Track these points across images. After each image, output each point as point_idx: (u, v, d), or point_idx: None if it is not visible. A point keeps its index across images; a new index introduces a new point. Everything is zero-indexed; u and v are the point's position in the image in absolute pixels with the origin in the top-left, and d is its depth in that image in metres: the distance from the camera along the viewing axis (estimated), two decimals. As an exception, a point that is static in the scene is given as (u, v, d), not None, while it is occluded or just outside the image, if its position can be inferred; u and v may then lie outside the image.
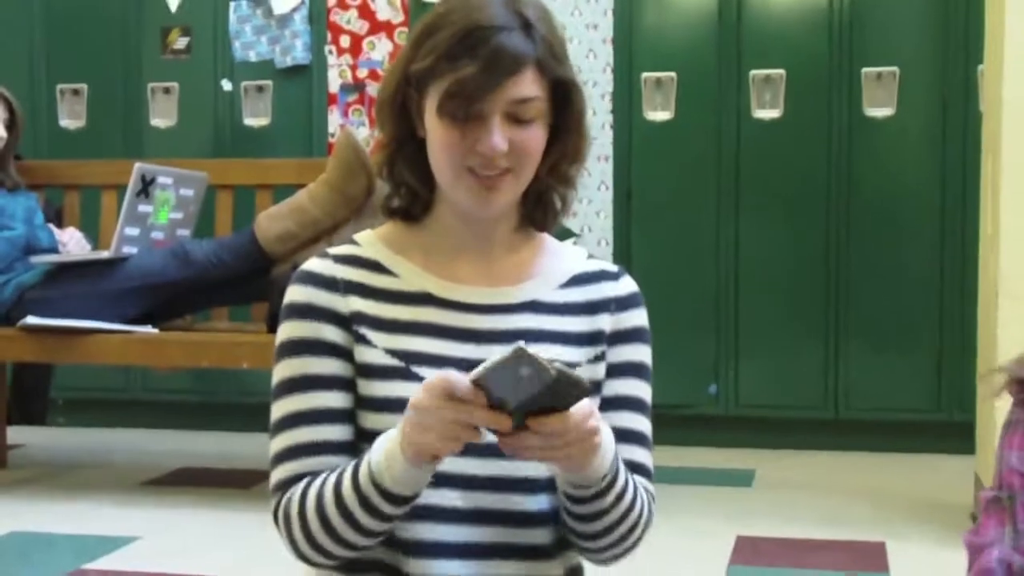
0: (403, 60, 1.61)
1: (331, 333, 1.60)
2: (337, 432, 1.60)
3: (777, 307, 5.33)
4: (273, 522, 1.60)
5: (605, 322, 1.67)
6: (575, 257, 1.72)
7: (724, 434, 5.33)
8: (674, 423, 5.14)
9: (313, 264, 1.65)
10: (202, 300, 4.57)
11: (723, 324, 5.34)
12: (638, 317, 1.70)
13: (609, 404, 1.66)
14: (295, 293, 1.64)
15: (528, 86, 1.56)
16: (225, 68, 5.71)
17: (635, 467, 1.65)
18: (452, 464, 1.54)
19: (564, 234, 5.33)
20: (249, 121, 5.70)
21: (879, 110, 5.26)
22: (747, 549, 3.79)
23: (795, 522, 4.12)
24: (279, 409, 1.62)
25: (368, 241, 1.68)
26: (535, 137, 1.58)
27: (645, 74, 5.44)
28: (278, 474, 1.60)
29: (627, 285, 1.71)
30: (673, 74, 5.42)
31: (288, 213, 4.37)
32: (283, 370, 1.62)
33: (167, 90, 5.75)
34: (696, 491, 4.53)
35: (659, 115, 5.44)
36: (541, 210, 1.67)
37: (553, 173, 1.64)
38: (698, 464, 4.98)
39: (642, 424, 1.68)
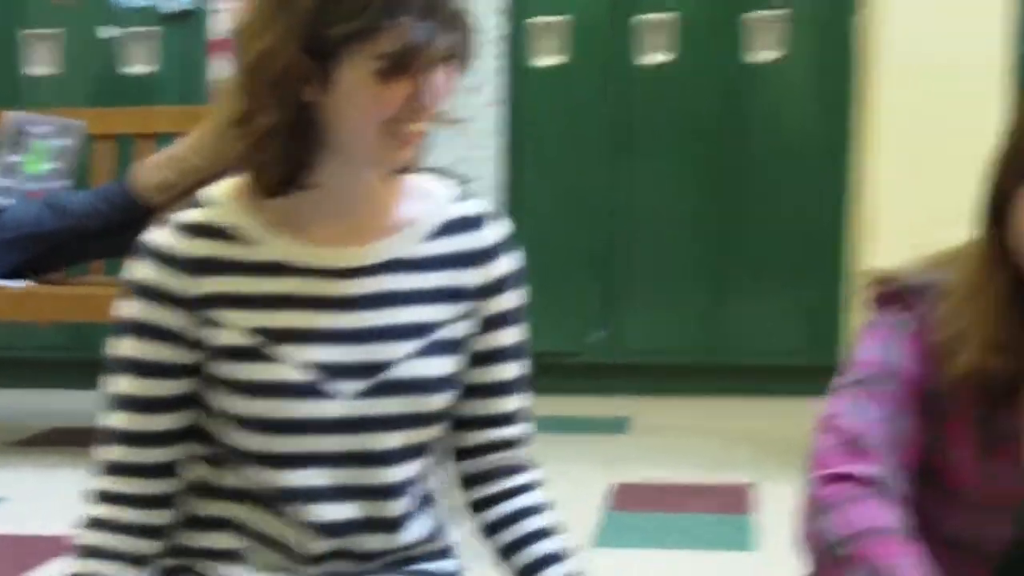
0: (291, 28, 1.46)
1: (172, 319, 1.55)
2: (168, 421, 1.58)
3: (667, 253, 5.34)
4: (88, 499, 1.61)
5: (472, 277, 1.62)
6: (444, 199, 1.63)
7: (606, 380, 5.34)
8: (558, 370, 5.14)
9: (155, 236, 1.56)
10: (79, 252, 4.50)
11: (613, 270, 5.35)
12: (507, 263, 1.65)
13: (489, 357, 1.65)
14: (137, 269, 1.56)
15: (453, 30, 1.50)
16: (107, 14, 5.60)
17: (510, 416, 1.68)
18: (310, 445, 1.54)
19: (452, 179, 5.30)
20: (132, 68, 5.59)
21: (766, 54, 5.26)
22: (621, 495, 3.81)
23: (669, 467, 4.15)
24: (113, 387, 1.60)
25: (220, 201, 1.57)
26: (450, 81, 1.52)
27: (535, 19, 5.41)
28: (109, 454, 1.60)
29: (491, 233, 1.64)
30: (564, 18, 5.39)
31: (166, 162, 4.31)
32: (124, 347, 1.59)
33: (47, 37, 5.63)
34: (572, 439, 4.55)
35: (549, 60, 5.41)
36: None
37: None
38: (578, 412, 4.99)
39: (517, 370, 1.69)
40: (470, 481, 1.69)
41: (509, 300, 1.66)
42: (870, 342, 1.50)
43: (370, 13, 1.43)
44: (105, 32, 5.59)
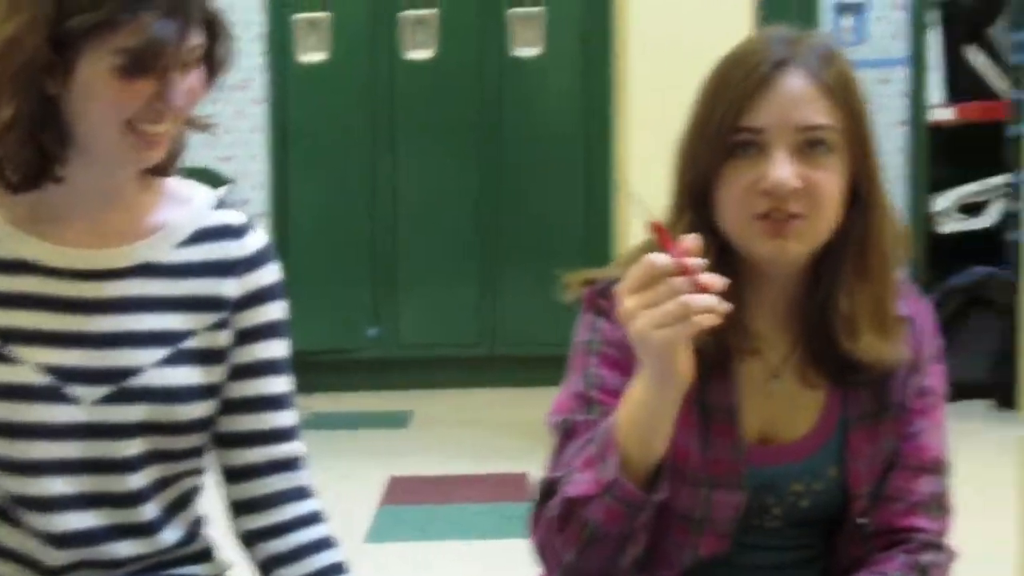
0: (34, 18, 1.39)
1: None
2: None
3: (434, 247, 5.39)
4: None
5: (230, 287, 1.54)
6: (202, 206, 1.56)
7: (383, 376, 5.37)
8: (333, 368, 5.15)
9: None
10: None
11: (381, 266, 5.37)
12: (268, 274, 1.57)
13: (247, 371, 1.56)
14: None
15: (200, 32, 1.43)
16: None
17: (282, 432, 1.58)
18: (49, 451, 1.47)
19: (218, 180, 5.26)
20: None
21: (527, 49, 5.35)
22: (398, 489, 3.84)
23: (448, 459, 4.21)
24: None
25: None
26: (198, 84, 1.45)
27: (299, 15, 5.39)
28: None
29: (253, 242, 1.57)
30: (327, 15, 5.38)
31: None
32: None
33: None
34: (352, 435, 4.56)
35: (313, 56, 5.39)
36: (169, 156, 1.51)
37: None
38: (356, 408, 5.01)
39: (284, 385, 1.60)
40: (242, 508, 1.57)
41: (271, 312, 1.57)
42: (569, 375, 1.50)
43: (109, 5, 1.37)
44: None
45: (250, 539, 1.57)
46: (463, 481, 3.94)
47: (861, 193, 1.42)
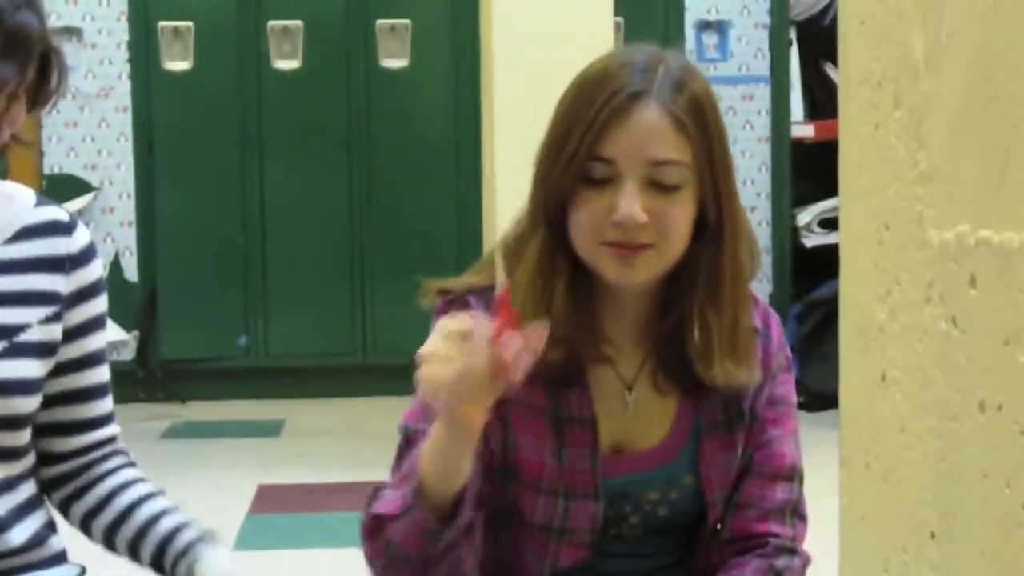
0: None
1: None
2: None
3: (304, 257, 5.38)
4: None
5: (60, 283, 1.57)
6: (24, 204, 1.59)
7: (255, 385, 5.35)
8: (204, 376, 5.12)
9: None
10: None
11: (251, 275, 5.35)
12: (95, 270, 1.61)
13: (78, 364, 1.59)
14: None
15: (32, 69, 1.47)
16: None
17: (106, 417, 1.63)
18: None
19: (83, 187, 5.20)
20: None
21: (394, 61, 5.38)
22: (267, 497, 3.83)
23: (319, 468, 4.20)
24: None
25: None
26: (17, 114, 1.48)
27: (163, 23, 5.35)
28: None
29: (81, 238, 1.60)
30: (190, 23, 5.36)
31: None
32: None
33: None
34: (223, 444, 4.53)
35: (178, 65, 5.36)
36: None
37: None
38: (227, 417, 4.98)
39: (107, 373, 1.64)
40: (59, 481, 1.61)
41: (99, 306, 1.61)
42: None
43: None
44: None
45: (67, 502, 1.61)
46: (335, 489, 3.94)
47: (711, 220, 1.44)
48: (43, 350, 1.55)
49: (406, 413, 1.51)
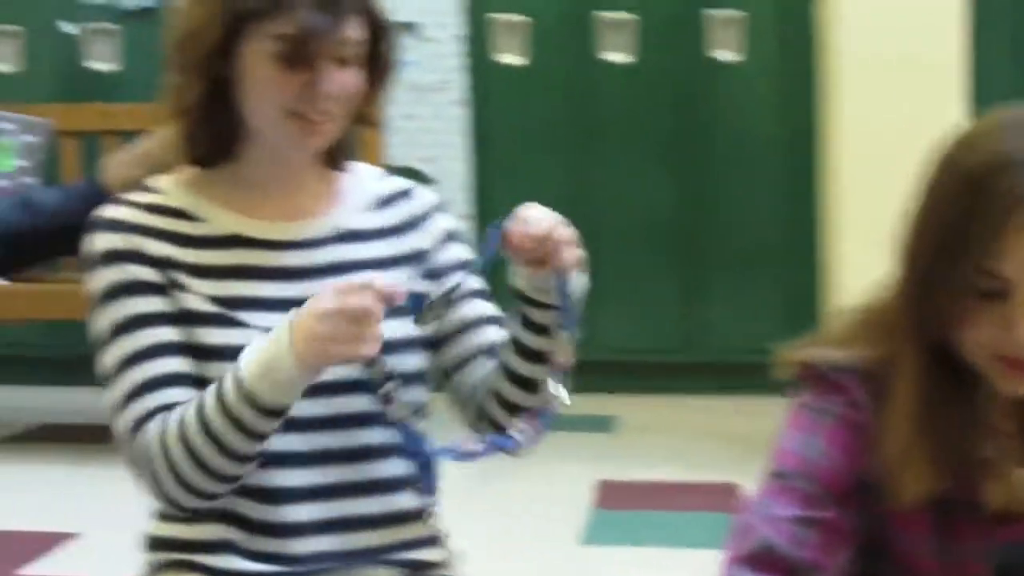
0: (220, 3, 1.55)
1: (145, 273, 1.58)
2: (178, 364, 1.57)
3: (633, 251, 5.36)
4: (131, 466, 1.56)
5: (420, 239, 1.70)
6: (371, 177, 1.73)
7: (583, 378, 5.33)
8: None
9: (118, 212, 1.62)
10: (50, 250, 4.42)
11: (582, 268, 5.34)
12: (445, 221, 1.74)
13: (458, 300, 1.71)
14: (102, 241, 1.60)
15: (357, 29, 1.56)
16: (67, 10, 5.53)
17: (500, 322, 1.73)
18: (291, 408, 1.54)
19: (420, 180, 5.29)
20: (96, 65, 5.54)
21: (727, 53, 5.31)
22: (608, 493, 3.83)
23: (655, 466, 4.17)
24: (111, 355, 1.57)
25: (168, 187, 1.65)
26: (358, 80, 1.58)
27: (498, 16, 5.42)
28: (129, 416, 1.55)
29: (423, 198, 1.74)
30: (526, 18, 5.41)
31: (136, 159, 4.23)
32: (105, 318, 1.58)
33: (8, 33, 5.56)
34: (556, 437, 4.53)
35: (512, 59, 5.42)
36: (339, 150, 1.68)
37: (358, 115, 1.64)
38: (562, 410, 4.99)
39: (489, 305, 1.76)
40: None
41: (460, 251, 1.73)
42: (792, 431, 1.45)
43: None
44: (66, 28, 5.52)
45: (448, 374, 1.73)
46: (673, 488, 3.91)
47: None
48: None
49: (779, 453, 1.46)
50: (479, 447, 1.55)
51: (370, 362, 1.51)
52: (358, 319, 1.42)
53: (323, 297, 1.44)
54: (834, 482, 1.40)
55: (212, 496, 1.54)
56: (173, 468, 1.51)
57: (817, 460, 1.41)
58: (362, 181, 1.71)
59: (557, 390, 1.59)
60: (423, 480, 1.61)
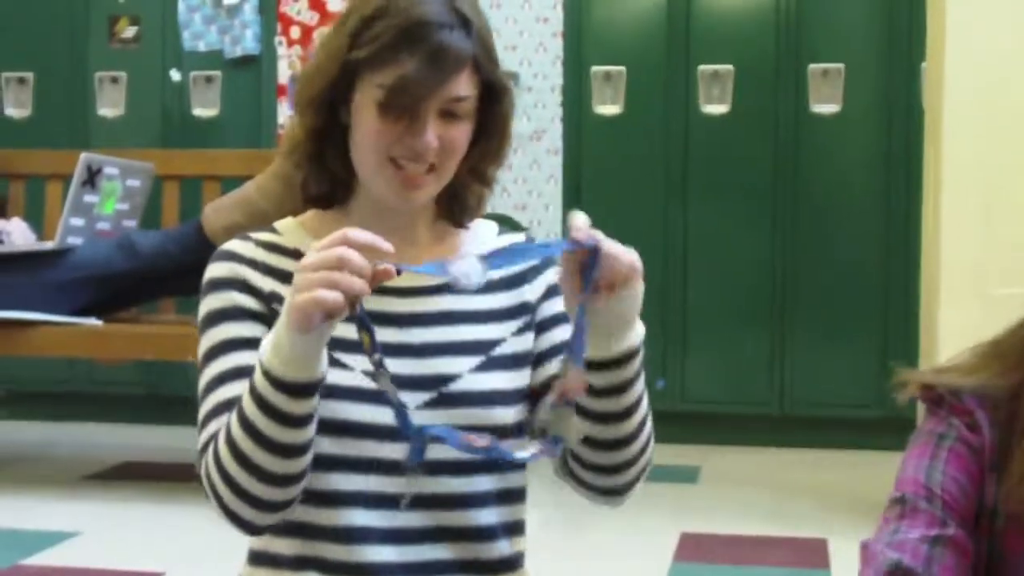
0: (337, 48, 1.59)
1: (248, 301, 1.60)
2: None
3: (724, 302, 5.35)
4: (203, 486, 1.56)
5: (527, 293, 1.70)
6: (488, 234, 1.73)
7: (670, 429, 5.32)
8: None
9: (234, 245, 1.65)
10: (148, 292, 4.54)
11: (670, 319, 5.34)
12: (552, 275, 1.72)
13: (549, 353, 1.69)
14: (213, 270, 1.63)
15: (464, 85, 1.57)
16: (174, 58, 5.67)
17: None
18: (379, 450, 1.56)
19: (514, 227, 5.33)
20: (198, 111, 5.66)
21: (825, 106, 5.29)
22: (691, 546, 3.80)
23: (739, 519, 4.14)
24: (203, 379, 1.60)
25: (289, 229, 1.68)
26: (463, 135, 1.59)
27: (595, 68, 5.45)
28: (203, 437, 1.57)
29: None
30: (622, 68, 5.43)
31: (235, 205, 4.35)
32: (204, 343, 1.61)
33: (115, 79, 5.70)
34: (641, 487, 4.53)
35: (608, 109, 5.44)
36: (458, 207, 1.69)
37: (473, 172, 1.66)
38: (648, 460, 4.98)
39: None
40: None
41: (558, 304, 1.70)
42: (912, 459, 1.46)
43: (381, 42, 1.55)
44: (172, 75, 5.65)
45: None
46: (758, 543, 3.87)
47: None
48: (517, 361, 1.67)
49: (901, 478, 1.47)
50: (482, 443, 1.54)
51: (350, 317, 1.45)
52: (330, 267, 1.39)
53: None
54: (957, 503, 1.41)
55: (272, 506, 1.53)
56: (226, 476, 1.52)
57: (939, 483, 1.43)
58: (478, 236, 1.71)
59: (569, 422, 1.57)
60: (409, 457, 1.56)
